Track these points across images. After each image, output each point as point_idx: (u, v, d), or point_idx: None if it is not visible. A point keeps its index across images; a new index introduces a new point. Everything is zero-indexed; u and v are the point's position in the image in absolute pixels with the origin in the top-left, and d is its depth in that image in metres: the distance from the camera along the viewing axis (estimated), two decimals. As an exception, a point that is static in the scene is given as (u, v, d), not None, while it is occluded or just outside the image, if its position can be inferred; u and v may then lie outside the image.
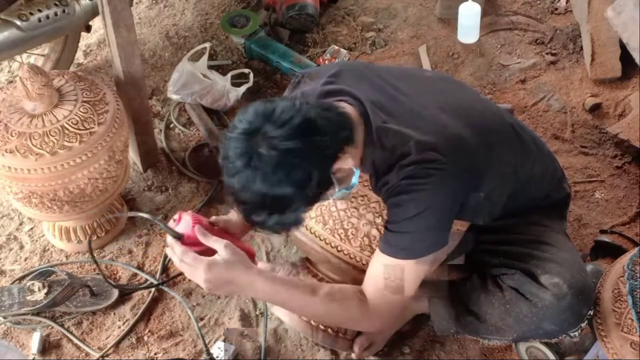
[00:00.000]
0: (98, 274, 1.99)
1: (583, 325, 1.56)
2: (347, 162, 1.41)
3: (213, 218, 1.57)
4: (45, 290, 1.92)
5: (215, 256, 1.44)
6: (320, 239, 1.57)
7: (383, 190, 1.50)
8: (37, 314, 1.95)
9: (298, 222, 1.41)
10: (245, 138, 1.33)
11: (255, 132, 1.33)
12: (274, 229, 1.43)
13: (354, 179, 1.47)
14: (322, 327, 1.66)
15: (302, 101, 1.39)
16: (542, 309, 1.54)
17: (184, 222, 1.48)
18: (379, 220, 1.54)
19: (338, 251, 1.57)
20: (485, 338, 1.68)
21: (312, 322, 1.65)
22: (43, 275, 2.00)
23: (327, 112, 1.39)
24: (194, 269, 1.44)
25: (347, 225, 1.55)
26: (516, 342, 1.63)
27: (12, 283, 2.03)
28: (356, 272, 1.58)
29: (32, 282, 1.95)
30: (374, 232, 1.54)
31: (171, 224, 1.50)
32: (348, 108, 1.49)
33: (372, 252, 1.54)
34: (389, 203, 1.49)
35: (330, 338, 1.68)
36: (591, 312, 1.56)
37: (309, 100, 1.44)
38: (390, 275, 1.48)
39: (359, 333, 1.75)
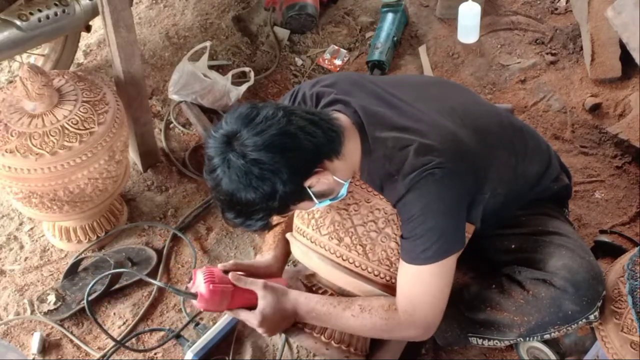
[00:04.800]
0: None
1: (599, 304, 1.56)
2: (328, 177, 1.42)
3: (223, 265, 1.62)
4: (60, 303, 1.97)
5: (260, 307, 1.53)
6: (337, 255, 1.57)
7: (390, 200, 1.51)
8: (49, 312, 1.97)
9: (266, 227, 1.46)
10: (223, 140, 1.36)
11: (232, 136, 1.36)
12: (246, 229, 1.48)
13: (342, 191, 1.48)
14: (334, 343, 1.64)
15: (290, 110, 1.39)
16: (559, 288, 1.54)
17: (197, 279, 1.53)
18: (398, 232, 1.53)
19: (356, 266, 1.56)
20: (491, 339, 1.67)
21: (322, 337, 1.64)
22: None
23: (314, 126, 1.39)
24: (249, 325, 1.56)
25: (366, 241, 1.54)
26: (526, 338, 1.63)
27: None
28: (369, 285, 1.57)
29: (49, 293, 1.99)
30: (393, 244, 1.53)
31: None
32: (342, 119, 1.49)
33: (391, 264, 1.54)
34: (399, 210, 1.50)
35: (342, 354, 1.67)
36: (605, 292, 1.57)
37: (298, 109, 1.43)
38: (417, 283, 1.49)
39: (372, 349, 1.74)
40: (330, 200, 1.49)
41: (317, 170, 1.40)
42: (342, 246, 1.54)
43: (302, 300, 1.56)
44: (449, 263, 1.49)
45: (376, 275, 1.55)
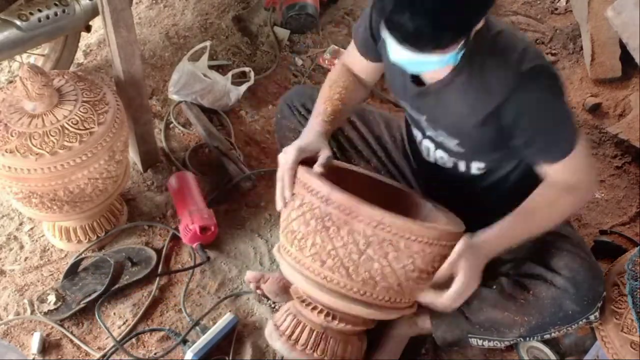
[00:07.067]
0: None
1: (600, 304, 1.56)
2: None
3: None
4: (60, 302, 1.96)
5: (462, 280, 1.45)
6: (321, 277, 1.52)
7: (494, 93, 1.48)
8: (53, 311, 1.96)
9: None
10: None
11: None
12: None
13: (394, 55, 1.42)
14: (326, 359, 1.61)
15: None
16: (560, 288, 1.55)
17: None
18: (380, 253, 1.48)
19: (341, 287, 1.52)
20: (492, 340, 1.67)
21: (315, 354, 1.60)
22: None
23: None
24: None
25: (348, 263, 1.49)
26: (526, 338, 1.63)
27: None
28: (357, 305, 1.53)
29: (49, 293, 1.98)
30: (376, 265, 1.47)
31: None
32: None
33: (376, 284, 1.49)
34: (509, 117, 1.48)
35: None
36: (605, 292, 1.57)
37: None
38: (576, 168, 1.52)
39: (372, 349, 1.74)
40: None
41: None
42: (325, 268, 1.50)
43: (493, 240, 1.50)
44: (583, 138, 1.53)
45: (362, 295, 1.50)
